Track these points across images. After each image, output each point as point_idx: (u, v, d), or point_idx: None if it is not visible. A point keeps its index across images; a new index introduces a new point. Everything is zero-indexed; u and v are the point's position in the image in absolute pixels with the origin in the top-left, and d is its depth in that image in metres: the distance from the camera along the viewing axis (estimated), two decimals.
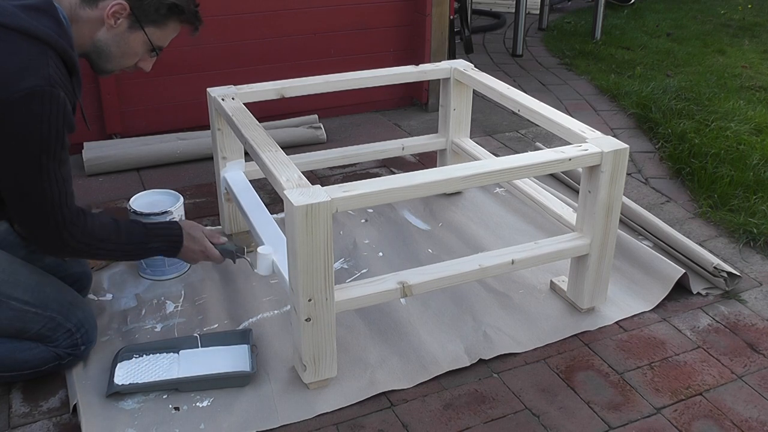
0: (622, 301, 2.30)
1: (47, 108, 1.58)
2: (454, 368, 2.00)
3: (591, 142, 2.04)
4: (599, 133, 2.10)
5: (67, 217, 1.72)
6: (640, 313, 2.25)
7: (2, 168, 1.64)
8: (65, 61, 1.66)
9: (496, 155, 2.85)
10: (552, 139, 3.51)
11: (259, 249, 1.98)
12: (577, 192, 2.82)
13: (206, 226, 2.71)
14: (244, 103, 2.31)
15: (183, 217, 2.36)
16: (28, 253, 2.01)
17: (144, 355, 1.99)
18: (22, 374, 1.90)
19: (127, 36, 1.76)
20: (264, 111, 2.93)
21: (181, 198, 2.36)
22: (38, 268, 1.93)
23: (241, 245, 2.10)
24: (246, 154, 2.44)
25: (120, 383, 1.88)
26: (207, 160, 3.21)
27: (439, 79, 2.78)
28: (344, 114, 3.81)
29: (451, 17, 4.12)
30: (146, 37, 1.78)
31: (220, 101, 2.31)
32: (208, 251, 2.01)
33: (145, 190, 2.54)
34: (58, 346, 1.89)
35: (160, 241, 1.93)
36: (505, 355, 2.06)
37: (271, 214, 2.26)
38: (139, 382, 1.90)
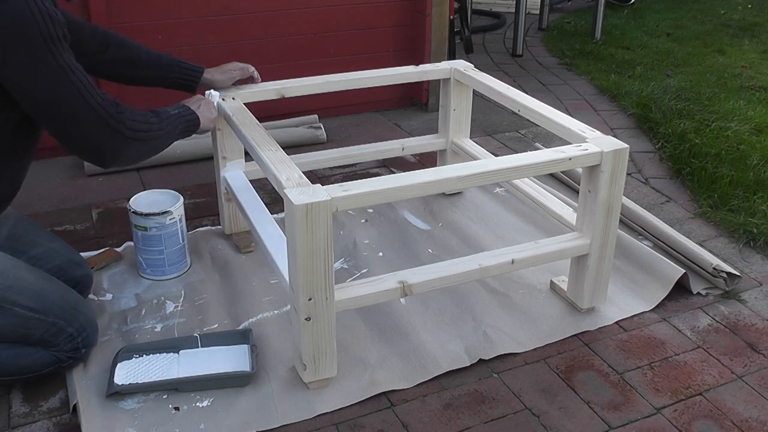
0: (622, 301, 2.30)
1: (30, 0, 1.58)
2: (454, 368, 2.00)
3: (591, 142, 2.04)
4: (599, 133, 2.10)
5: (107, 105, 1.75)
6: (640, 313, 2.25)
7: (24, 81, 1.64)
8: None
9: (496, 155, 2.84)
10: (552, 139, 3.51)
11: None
12: (577, 192, 2.82)
13: (206, 226, 2.71)
14: (244, 103, 2.31)
15: (183, 218, 2.36)
16: (30, 258, 2.01)
17: (144, 355, 1.99)
18: (22, 378, 1.90)
19: None
20: (264, 111, 2.93)
21: (181, 198, 2.36)
22: (41, 272, 1.93)
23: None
24: (246, 154, 2.44)
25: (120, 383, 1.88)
26: (207, 160, 3.21)
27: (439, 79, 2.78)
28: (344, 114, 3.81)
29: (451, 17, 4.12)
30: None
31: (220, 101, 2.31)
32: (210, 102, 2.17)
33: (145, 190, 2.54)
34: (60, 351, 1.89)
35: (178, 110, 2.02)
36: (505, 355, 2.06)
37: (271, 213, 2.26)
38: (139, 382, 1.90)
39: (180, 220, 2.33)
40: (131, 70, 2.24)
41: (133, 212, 2.28)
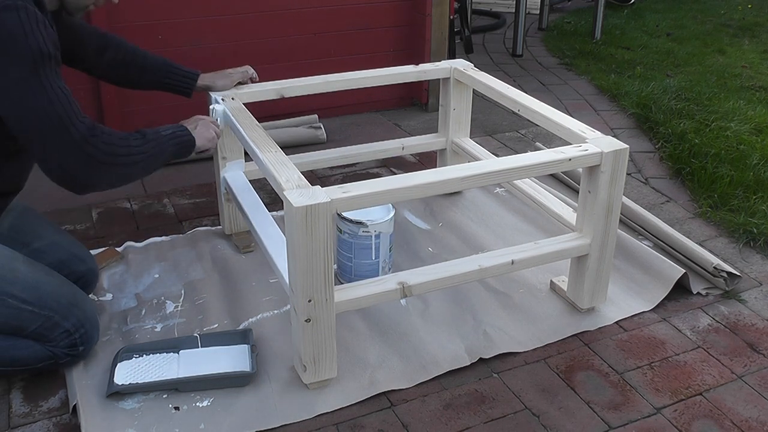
0: (622, 301, 2.30)
1: (24, 17, 1.61)
2: (454, 368, 2.00)
3: (591, 142, 2.04)
4: (599, 133, 2.10)
5: (83, 129, 1.69)
6: (640, 313, 2.25)
7: (6, 97, 1.64)
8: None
9: (496, 155, 2.85)
10: (552, 139, 3.51)
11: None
12: (577, 192, 2.82)
13: (206, 226, 2.71)
14: (244, 103, 2.31)
15: (387, 236, 2.29)
16: (32, 251, 2.01)
17: (144, 355, 1.99)
18: (17, 370, 1.90)
19: None
20: (264, 111, 2.93)
21: (389, 217, 2.28)
22: (40, 265, 1.93)
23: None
24: (246, 154, 2.44)
25: (120, 383, 1.88)
26: (207, 160, 3.20)
27: (438, 79, 2.78)
28: (344, 114, 3.81)
29: (451, 17, 4.12)
30: None
31: (220, 101, 2.31)
32: (209, 123, 2.08)
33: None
34: (56, 346, 1.89)
35: (171, 130, 1.94)
36: (505, 354, 2.06)
37: (271, 212, 2.26)
38: (139, 382, 1.90)
39: (378, 236, 2.26)
40: (126, 72, 2.26)
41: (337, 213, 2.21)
